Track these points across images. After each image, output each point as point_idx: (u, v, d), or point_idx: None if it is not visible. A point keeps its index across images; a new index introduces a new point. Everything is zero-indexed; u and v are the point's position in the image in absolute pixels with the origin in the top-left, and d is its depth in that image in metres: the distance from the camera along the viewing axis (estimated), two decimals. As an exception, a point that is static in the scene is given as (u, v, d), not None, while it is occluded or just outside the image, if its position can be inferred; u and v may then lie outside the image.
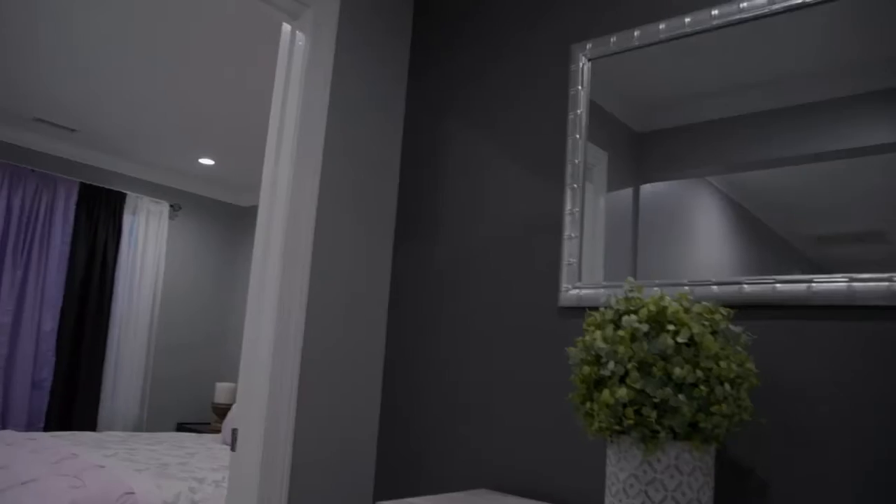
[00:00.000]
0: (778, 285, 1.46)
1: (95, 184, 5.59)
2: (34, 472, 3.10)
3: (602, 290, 1.76)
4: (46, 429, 5.14)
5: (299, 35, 2.13)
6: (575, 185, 1.87)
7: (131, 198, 5.82)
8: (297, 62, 2.12)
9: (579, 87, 1.92)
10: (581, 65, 1.93)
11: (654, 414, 1.22)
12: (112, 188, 5.70)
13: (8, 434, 3.97)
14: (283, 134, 2.12)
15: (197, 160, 5.68)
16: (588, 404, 1.33)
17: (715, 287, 1.55)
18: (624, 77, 1.85)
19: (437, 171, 2.26)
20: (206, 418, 6.37)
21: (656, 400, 1.22)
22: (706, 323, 1.26)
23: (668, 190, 1.70)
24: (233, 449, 2.02)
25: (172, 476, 3.30)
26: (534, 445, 1.83)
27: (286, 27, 2.18)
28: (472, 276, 2.09)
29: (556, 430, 1.79)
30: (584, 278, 1.81)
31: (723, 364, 1.23)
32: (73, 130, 5.03)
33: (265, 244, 2.08)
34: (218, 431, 5.53)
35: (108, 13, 3.24)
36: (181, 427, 6.05)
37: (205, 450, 4.10)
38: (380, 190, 2.30)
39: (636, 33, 1.82)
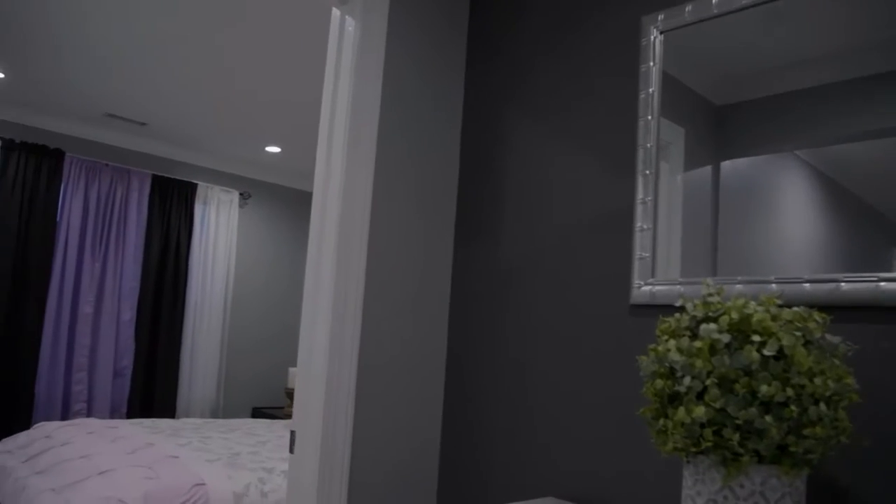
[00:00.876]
0: (882, 283, 1.28)
1: (167, 175, 5.70)
2: (111, 462, 3.17)
3: (678, 287, 1.61)
4: (129, 415, 5.31)
5: (349, 20, 2.03)
6: (647, 172, 1.71)
7: (202, 187, 5.91)
8: (348, 49, 2.03)
9: (651, 64, 1.75)
10: (652, 38, 1.76)
11: (736, 436, 1.08)
12: (183, 179, 5.80)
13: (91, 422, 4.10)
14: (334, 125, 2.03)
15: (264, 148, 5.71)
16: (662, 421, 1.20)
17: (807, 285, 1.38)
18: (701, 48, 1.68)
19: (499, 162, 2.14)
20: (281, 402, 6.48)
21: (739, 421, 1.08)
22: (798, 332, 1.11)
23: (752, 167, 1.53)
24: (291, 451, 1.97)
25: (242, 466, 3.32)
26: (604, 454, 1.71)
27: (335, 12, 2.08)
28: (537, 271, 1.96)
29: (629, 438, 1.66)
30: (657, 273, 1.67)
31: (817, 381, 1.07)
32: (143, 124, 5.12)
33: (319, 242, 2.01)
34: (291, 416, 5.60)
35: (171, 15, 3.23)
36: (256, 411, 6.16)
37: (276, 438, 4.14)
38: (438, 182, 2.20)
39: (714, 0, 1.65)
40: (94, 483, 2.94)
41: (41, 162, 4.93)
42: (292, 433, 1.98)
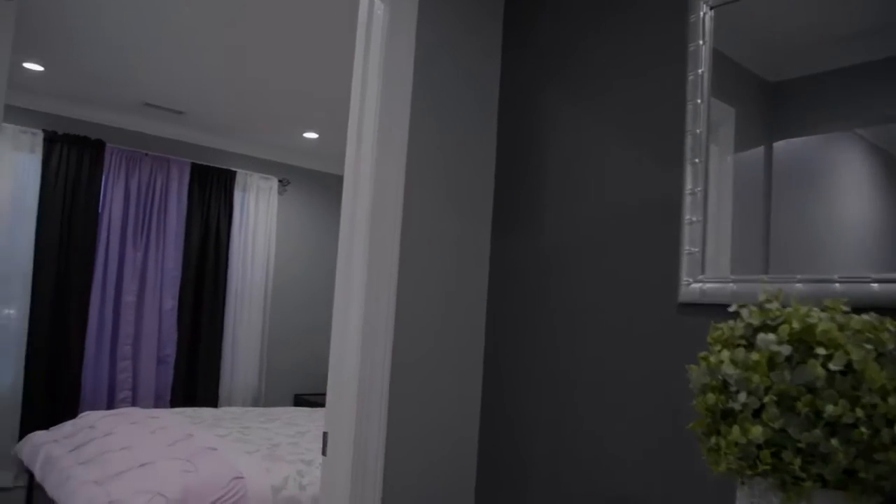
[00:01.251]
0: (962, 286, 1.15)
1: (206, 163, 5.70)
2: (151, 454, 3.18)
3: (730, 285, 1.49)
4: (173, 402, 5.37)
5: (378, 4, 1.94)
6: (697, 161, 1.59)
7: (241, 175, 5.91)
8: (377, 34, 1.94)
9: (700, 42, 1.62)
10: (702, 14, 1.63)
11: (797, 460, 0.97)
12: (222, 166, 5.80)
13: (134, 412, 4.14)
14: (364, 116, 1.95)
15: (301, 134, 5.67)
16: (714, 439, 1.10)
17: (875, 285, 1.26)
18: (754, 22, 1.54)
19: (538, 149, 2.03)
20: (323, 389, 6.49)
21: (801, 444, 0.97)
22: (869, 345, 0.99)
23: (808, 148, 1.40)
24: (323, 453, 1.92)
25: (281, 458, 3.30)
26: (650, 464, 1.61)
27: (364, -4, 2.00)
28: (579, 264, 1.86)
29: (677, 450, 1.56)
30: (707, 269, 1.55)
31: (892, 399, 0.96)
32: (180, 113, 5.12)
33: (350, 238, 1.94)
34: (332, 404, 5.60)
35: (201, 4, 3.19)
36: (298, 398, 6.19)
37: (315, 428, 4.12)
38: (474, 171, 2.10)
39: (767, -27, 1.51)
40: (135, 476, 2.95)
41: (83, 153, 4.98)
42: (324, 435, 1.93)
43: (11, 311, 4.75)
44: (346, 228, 1.95)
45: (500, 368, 2.04)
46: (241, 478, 3.02)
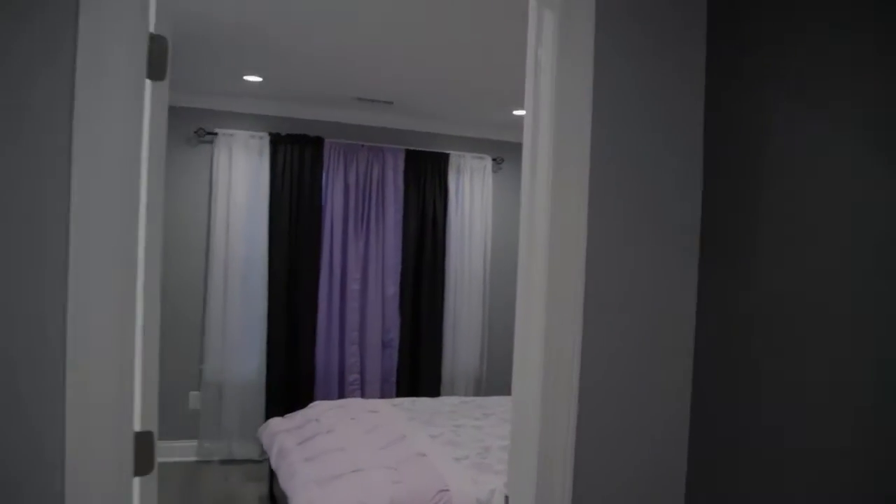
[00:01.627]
0: None
1: (419, 149, 5.75)
2: (364, 459, 3.26)
3: None
4: (398, 383, 5.56)
5: (547, 14, 1.66)
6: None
7: (454, 157, 5.88)
8: (547, 45, 1.67)
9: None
10: None
11: None
12: (434, 150, 5.81)
13: (355, 404, 4.32)
14: (538, 137, 1.71)
15: (511, 112, 5.48)
16: None
17: None
18: None
19: (756, 166, 1.64)
20: (544, 368, 6.37)
21: None
22: None
23: None
24: (505, 518, 1.76)
25: (489, 468, 3.22)
26: None
27: (532, 2, 1.73)
28: (809, 316, 1.47)
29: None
30: None
31: None
32: (389, 103, 5.17)
33: (527, 278, 1.73)
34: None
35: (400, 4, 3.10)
36: (520, 380, 6.12)
37: (529, 426, 4.00)
38: (673, 195, 1.77)
39: None
40: (347, 483, 3.04)
41: (304, 150, 5.24)
42: (506, 498, 1.76)
43: (254, 302, 5.19)
44: (523, 277, 1.74)
45: (713, 435, 1.72)
46: (447, 490, 2.99)
